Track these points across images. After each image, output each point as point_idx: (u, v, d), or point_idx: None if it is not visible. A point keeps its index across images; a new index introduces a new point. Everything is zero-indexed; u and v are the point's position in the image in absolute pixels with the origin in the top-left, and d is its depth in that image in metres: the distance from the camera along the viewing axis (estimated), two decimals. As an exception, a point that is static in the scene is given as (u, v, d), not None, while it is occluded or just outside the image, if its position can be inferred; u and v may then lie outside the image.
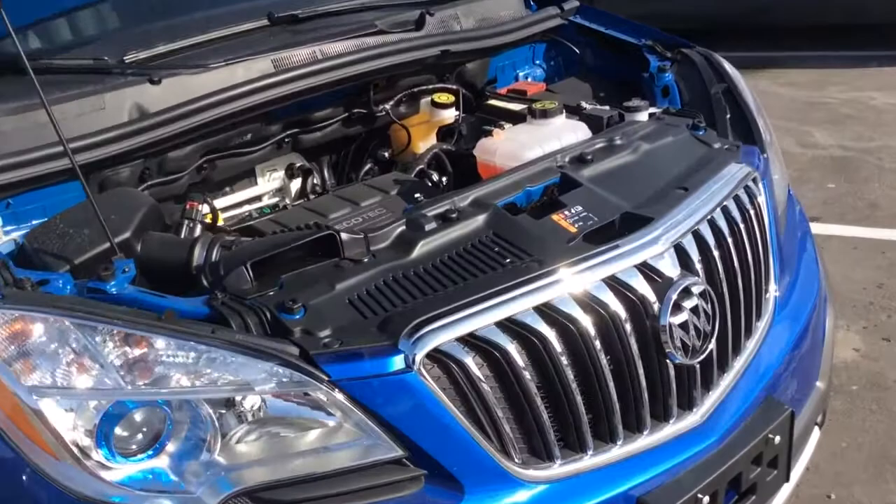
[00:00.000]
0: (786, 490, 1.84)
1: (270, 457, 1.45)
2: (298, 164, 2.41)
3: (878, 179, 4.58)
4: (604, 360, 1.55)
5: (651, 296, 1.58)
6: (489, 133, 2.13)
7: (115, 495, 1.39)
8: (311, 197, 2.34)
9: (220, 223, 2.12)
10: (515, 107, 2.40)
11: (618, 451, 1.58)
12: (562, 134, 2.07)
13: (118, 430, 1.41)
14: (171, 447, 1.44)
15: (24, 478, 1.41)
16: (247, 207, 2.37)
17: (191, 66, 2.03)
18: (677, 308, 1.59)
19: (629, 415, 1.59)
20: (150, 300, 1.53)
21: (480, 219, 1.71)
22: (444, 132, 2.45)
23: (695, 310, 1.61)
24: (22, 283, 1.51)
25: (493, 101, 2.50)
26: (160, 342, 1.43)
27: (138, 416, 1.43)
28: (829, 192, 4.50)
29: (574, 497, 1.52)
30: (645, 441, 1.60)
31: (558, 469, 1.52)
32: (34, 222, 1.84)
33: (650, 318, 1.58)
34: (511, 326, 1.49)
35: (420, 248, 1.64)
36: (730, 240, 1.78)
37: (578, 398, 1.53)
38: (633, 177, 1.89)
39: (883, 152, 4.90)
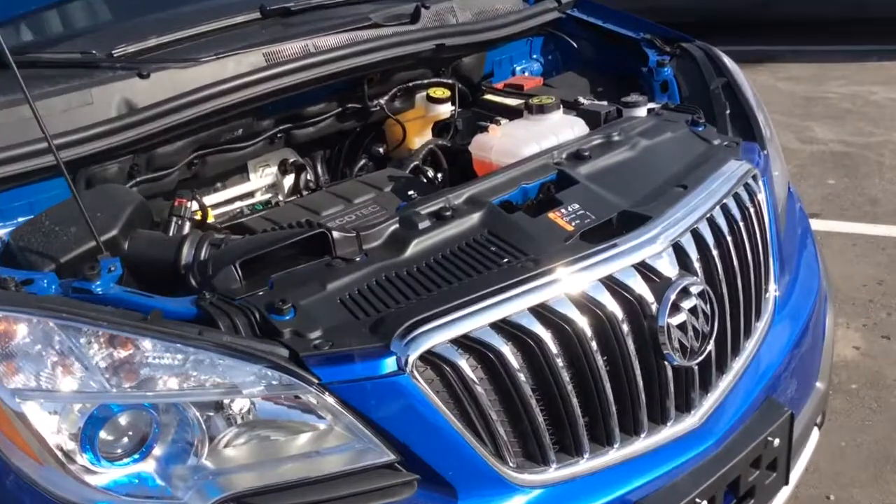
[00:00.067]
0: (785, 492, 1.81)
1: (260, 461, 1.42)
2: (291, 160, 2.38)
3: (878, 175, 4.55)
4: (600, 361, 1.52)
5: (649, 296, 1.55)
6: (485, 129, 2.09)
7: (101, 500, 1.37)
8: (305, 193, 2.31)
9: (211, 220, 2.09)
10: (512, 102, 2.36)
11: (614, 455, 1.55)
12: (559, 130, 2.04)
13: (103, 434, 1.38)
14: (157, 451, 1.41)
15: (7, 483, 1.39)
16: (239, 204, 2.33)
17: (180, 59, 1.99)
18: (675, 308, 1.56)
19: (626, 417, 1.56)
20: (137, 300, 1.49)
21: (475, 217, 1.68)
22: (440, 127, 2.41)
23: (693, 310, 1.58)
24: (6, 282, 1.48)
25: (489, 96, 2.47)
26: (146, 343, 1.39)
27: (124, 420, 1.40)
28: (828, 188, 4.47)
29: (570, 502, 1.49)
30: (642, 444, 1.57)
31: (554, 473, 1.49)
32: (20, 220, 1.80)
33: (648, 319, 1.55)
34: (506, 328, 1.45)
35: (413, 247, 1.60)
36: (729, 239, 1.75)
37: (574, 400, 1.50)
38: (631, 174, 1.86)
39: (883, 148, 4.87)
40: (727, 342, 1.72)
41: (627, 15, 2.64)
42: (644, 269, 1.57)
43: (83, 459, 1.37)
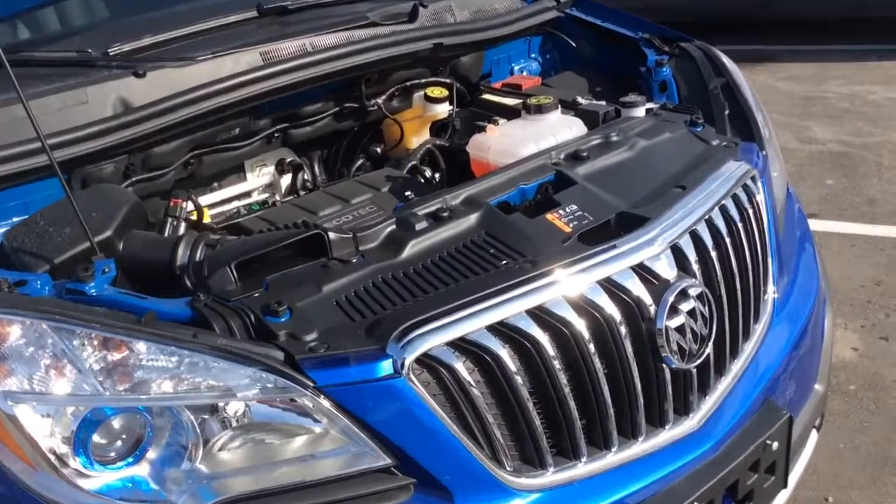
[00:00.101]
0: (783, 496, 1.80)
1: (255, 465, 1.41)
2: (289, 160, 2.37)
3: (877, 175, 4.54)
4: (598, 364, 1.50)
5: (647, 298, 1.54)
6: (483, 129, 2.08)
7: (94, 504, 1.35)
8: (302, 193, 2.30)
9: (207, 220, 2.07)
10: (510, 101, 2.35)
11: (612, 458, 1.53)
12: (557, 130, 2.02)
13: (96, 438, 1.37)
14: (151, 454, 1.40)
15: (-1, 486, 1.37)
16: (236, 203, 2.32)
17: (177, 58, 1.98)
18: (674, 311, 1.54)
19: (624, 421, 1.55)
20: (131, 302, 1.48)
21: (472, 218, 1.66)
22: (438, 127, 2.40)
23: (692, 313, 1.57)
24: (-1, 283, 1.47)
25: (487, 96, 2.45)
26: (140, 346, 1.38)
27: (117, 423, 1.39)
28: (827, 188, 4.46)
29: (567, 506, 1.48)
30: (640, 447, 1.56)
31: (551, 477, 1.48)
32: (15, 219, 1.79)
33: (646, 322, 1.54)
34: (503, 330, 1.44)
35: (410, 249, 1.59)
36: (728, 240, 1.73)
37: (572, 403, 1.49)
38: (629, 175, 1.85)
39: (882, 148, 4.86)
40: (726, 344, 1.70)
41: (626, 14, 2.62)
42: (642, 271, 1.56)
43: (76, 463, 1.35)
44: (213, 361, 1.37)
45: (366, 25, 2.24)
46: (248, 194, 2.35)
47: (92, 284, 1.48)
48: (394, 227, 1.64)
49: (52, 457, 1.35)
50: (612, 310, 1.51)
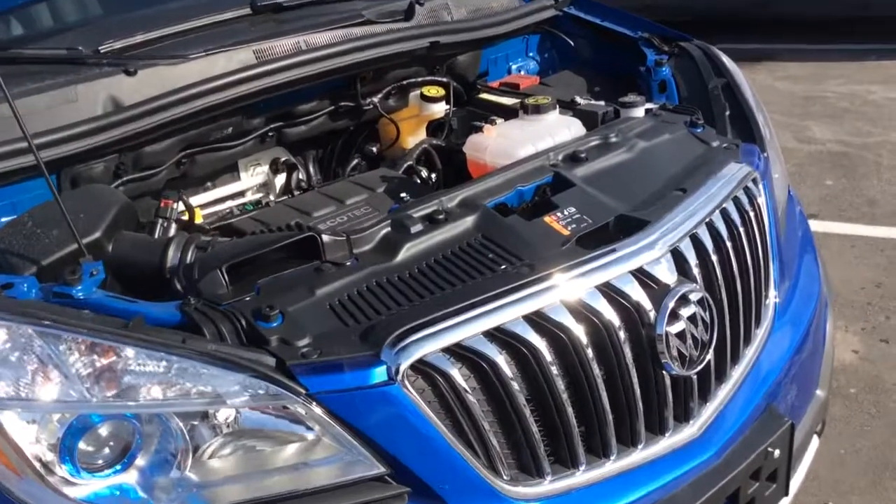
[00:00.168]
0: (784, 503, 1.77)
1: (246, 473, 1.37)
2: (283, 159, 2.34)
3: (876, 176, 4.51)
4: (597, 370, 1.47)
5: (647, 303, 1.51)
6: (480, 129, 2.05)
7: (80, 513, 1.32)
8: (296, 193, 2.27)
9: (200, 220, 2.04)
10: (507, 101, 2.32)
11: (611, 467, 1.50)
12: (555, 130, 1.99)
13: (83, 445, 1.33)
14: (140, 461, 1.36)
15: (-18, 495, 1.34)
16: (229, 203, 2.29)
17: (168, 56, 1.94)
18: (674, 316, 1.51)
19: (623, 428, 1.52)
20: (119, 305, 1.44)
21: (469, 220, 1.63)
22: (434, 127, 2.37)
23: (692, 318, 1.54)
24: (-16, 286, 1.43)
25: (484, 95, 2.42)
26: (128, 351, 1.35)
27: (105, 430, 1.35)
28: (827, 188, 4.44)
29: (565, 515, 1.45)
30: (639, 455, 1.53)
31: (549, 486, 1.45)
32: (3, 220, 1.76)
33: (646, 327, 1.51)
34: (500, 336, 1.41)
35: (405, 252, 1.56)
36: (729, 244, 1.70)
37: (570, 411, 1.46)
38: (628, 177, 1.82)
39: (882, 148, 4.84)
40: (727, 350, 1.67)
41: (625, 13, 2.60)
42: (642, 276, 1.53)
43: (62, 471, 1.32)
44: (202, 367, 1.34)
45: (361, 23, 2.21)
46: (241, 194, 2.32)
47: (79, 287, 1.44)
48: (389, 229, 1.61)
49: (37, 464, 1.32)
50: (611, 315, 1.48)
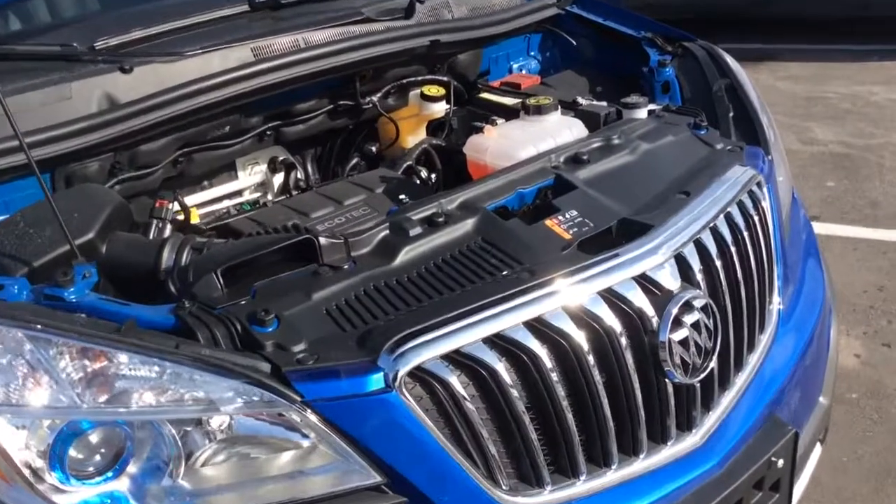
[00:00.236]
0: (787, 512, 1.75)
1: (240, 481, 1.34)
2: (281, 158, 2.31)
3: (878, 177, 4.48)
4: (598, 378, 1.44)
5: (649, 310, 1.48)
6: (480, 129, 2.02)
7: (69, 522, 1.29)
8: (295, 192, 2.24)
9: (196, 220, 2.01)
10: (508, 101, 2.30)
11: (612, 476, 1.48)
12: (557, 131, 1.96)
13: (73, 451, 1.30)
14: (132, 468, 1.33)
15: (-30, 503, 1.31)
16: (227, 203, 2.26)
17: (164, 53, 1.92)
18: (677, 323, 1.48)
19: (625, 437, 1.49)
20: (112, 308, 1.42)
21: (469, 223, 1.60)
22: (434, 126, 2.35)
23: (696, 325, 1.51)
24: (-26, 288, 1.40)
25: (485, 95, 2.40)
26: (121, 356, 1.32)
27: (95, 436, 1.32)
28: (829, 190, 4.41)
29: (565, 526, 1.42)
30: (641, 465, 1.50)
31: (549, 496, 1.42)
32: (-5, 219, 1.73)
33: (648, 334, 1.48)
34: (499, 342, 1.38)
35: (404, 255, 1.53)
36: (733, 249, 1.68)
37: (570, 419, 1.43)
38: (631, 179, 1.79)
39: (884, 149, 4.81)
40: (730, 357, 1.65)
41: (628, 12, 2.57)
42: (644, 282, 1.50)
43: (52, 478, 1.29)
44: (196, 373, 1.31)
45: (361, 21, 2.18)
46: (239, 193, 2.29)
47: (71, 290, 1.41)
48: (387, 232, 1.58)
49: (26, 471, 1.28)
50: (612, 322, 1.45)
